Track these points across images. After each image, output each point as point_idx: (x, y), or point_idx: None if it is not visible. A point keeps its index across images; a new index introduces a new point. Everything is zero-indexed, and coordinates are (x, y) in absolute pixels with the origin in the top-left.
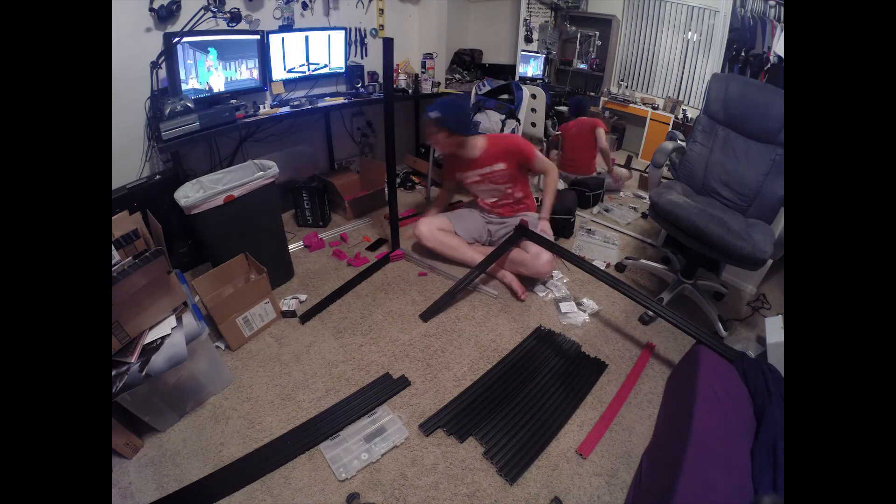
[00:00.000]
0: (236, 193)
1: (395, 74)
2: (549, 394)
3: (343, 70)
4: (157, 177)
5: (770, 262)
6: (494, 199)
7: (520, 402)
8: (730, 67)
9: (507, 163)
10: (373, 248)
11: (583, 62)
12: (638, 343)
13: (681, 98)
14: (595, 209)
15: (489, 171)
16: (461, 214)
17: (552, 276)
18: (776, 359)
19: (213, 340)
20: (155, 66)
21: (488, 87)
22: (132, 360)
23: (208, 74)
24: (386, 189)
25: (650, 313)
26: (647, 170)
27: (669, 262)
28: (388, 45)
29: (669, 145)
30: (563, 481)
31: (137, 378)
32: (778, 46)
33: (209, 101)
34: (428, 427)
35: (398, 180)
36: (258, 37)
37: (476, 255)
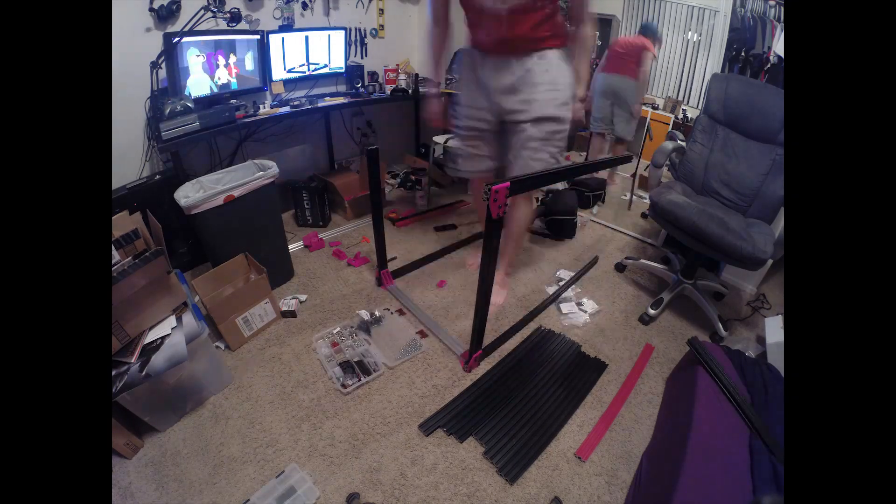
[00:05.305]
0: (236, 193)
1: (394, 74)
2: (549, 394)
3: (343, 70)
4: (157, 177)
5: (770, 262)
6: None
7: (520, 402)
8: (730, 67)
9: None
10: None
11: None
12: (638, 343)
13: (681, 98)
14: (595, 209)
15: None
16: (459, 93)
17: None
18: (776, 359)
19: (213, 340)
20: (155, 66)
21: None
22: (132, 360)
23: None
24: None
25: (650, 313)
26: (646, 170)
27: (669, 262)
28: None
29: (669, 145)
30: (563, 481)
31: (137, 378)
32: (778, 46)
33: (209, 101)
34: (428, 427)
35: (398, 180)
36: (258, 37)
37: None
